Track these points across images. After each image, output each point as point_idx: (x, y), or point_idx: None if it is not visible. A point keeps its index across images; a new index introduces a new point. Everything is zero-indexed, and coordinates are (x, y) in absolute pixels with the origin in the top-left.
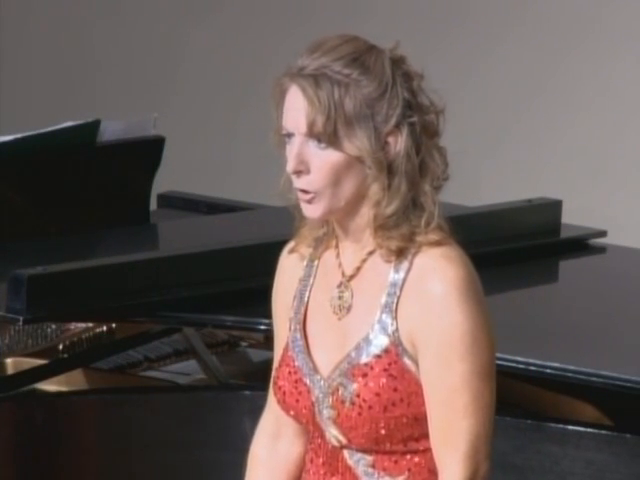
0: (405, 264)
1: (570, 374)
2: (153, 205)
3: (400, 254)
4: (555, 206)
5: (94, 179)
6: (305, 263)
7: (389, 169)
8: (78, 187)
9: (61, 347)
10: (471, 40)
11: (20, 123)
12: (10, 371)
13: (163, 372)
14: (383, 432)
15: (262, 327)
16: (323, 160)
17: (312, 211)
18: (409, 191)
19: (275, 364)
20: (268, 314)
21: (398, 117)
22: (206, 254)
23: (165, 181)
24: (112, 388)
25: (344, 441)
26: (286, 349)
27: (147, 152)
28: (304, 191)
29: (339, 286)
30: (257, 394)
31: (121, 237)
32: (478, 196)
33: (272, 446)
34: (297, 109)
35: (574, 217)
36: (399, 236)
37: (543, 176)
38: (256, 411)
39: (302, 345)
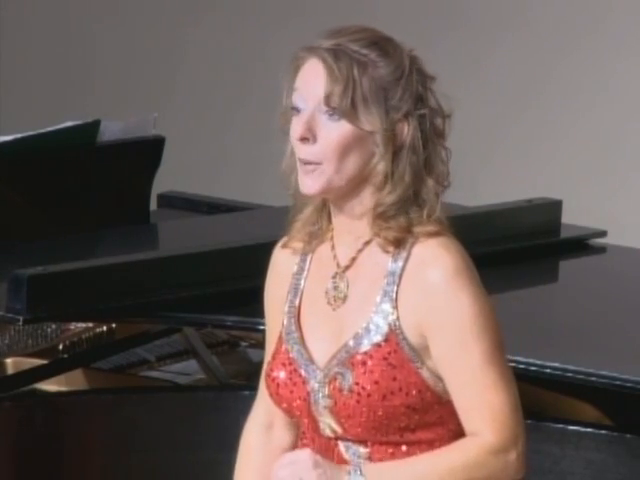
0: (403, 254)
1: (570, 374)
2: (153, 205)
3: (398, 244)
4: (555, 206)
5: (94, 179)
6: (299, 258)
7: (395, 156)
8: (78, 187)
9: (61, 347)
10: (470, 40)
11: (20, 123)
12: (10, 371)
13: (163, 372)
14: (380, 421)
15: (262, 327)
16: (333, 131)
17: (309, 186)
18: (412, 183)
19: (267, 357)
20: None
21: (409, 107)
22: (206, 254)
23: (165, 181)
24: (112, 388)
25: (339, 431)
26: (280, 342)
27: (147, 152)
28: (307, 162)
29: (334, 277)
30: None
31: (121, 237)
32: (478, 196)
33: (265, 435)
34: (315, 79)
35: (574, 217)
36: (396, 227)
37: (543, 176)
38: None
39: (297, 337)
